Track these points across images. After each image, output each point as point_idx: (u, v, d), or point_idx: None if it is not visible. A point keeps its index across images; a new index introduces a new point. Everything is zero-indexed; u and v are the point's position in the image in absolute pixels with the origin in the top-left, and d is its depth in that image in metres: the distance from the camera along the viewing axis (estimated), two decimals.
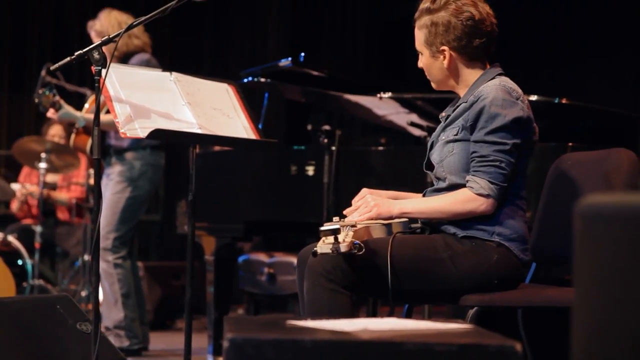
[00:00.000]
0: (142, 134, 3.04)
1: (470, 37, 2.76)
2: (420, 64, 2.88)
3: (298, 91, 4.85)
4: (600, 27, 7.10)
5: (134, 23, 3.10)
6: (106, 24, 4.79)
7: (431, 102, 4.26)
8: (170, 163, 5.85)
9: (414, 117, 4.42)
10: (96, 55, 2.94)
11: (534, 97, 3.84)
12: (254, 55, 8.35)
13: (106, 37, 3.00)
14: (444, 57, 2.78)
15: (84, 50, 2.96)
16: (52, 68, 3.07)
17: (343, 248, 2.44)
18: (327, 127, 4.27)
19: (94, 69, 2.96)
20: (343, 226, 2.57)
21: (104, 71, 2.94)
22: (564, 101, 3.92)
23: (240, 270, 5.32)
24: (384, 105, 4.46)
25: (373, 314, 4.01)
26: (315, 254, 2.49)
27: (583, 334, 1.30)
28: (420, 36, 2.82)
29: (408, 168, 3.99)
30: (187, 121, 3.19)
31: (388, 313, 3.72)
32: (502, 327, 3.56)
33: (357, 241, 2.51)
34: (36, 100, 4.49)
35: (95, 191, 2.92)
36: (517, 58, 7.77)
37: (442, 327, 1.94)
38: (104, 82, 2.97)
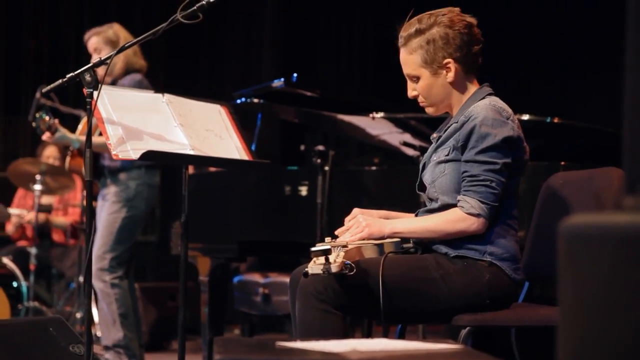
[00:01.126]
0: (135, 155, 3.05)
1: (469, 45, 2.77)
2: (412, 92, 2.84)
3: (292, 112, 4.86)
4: (596, 43, 7.12)
5: (126, 45, 3.11)
6: (122, 35, 4.77)
7: (424, 122, 4.26)
8: (166, 184, 5.84)
9: (407, 137, 4.43)
10: (88, 77, 2.95)
11: (525, 117, 3.85)
12: (248, 75, 8.37)
13: (98, 59, 3.01)
14: (447, 71, 2.78)
15: (76, 72, 2.97)
16: (44, 90, 3.08)
17: (334, 269, 2.44)
18: (320, 148, 4.27)
19: (85, 90, 2.96)
20: (334, 247, 2.57)
21: (95, 93, 2.95)
22: (555, 120, 3.93)
23: (235, 290, 5.31)
24: (377, 125, 4.46)
25: (368, 334, 4.00)
26: (306, 274, 2.49)
27: (567, 353, 1.30)
28: (414, 59, 2.79)
29: (401, 188, 3.99)
30: (180, 142, 3.20)
31: (382, 333, 3.70)
32: (498, 346, 3.56)
33: (348, 262, 2.51)
34: (33, 124, 4.49)
35: (87, 213, 2.92)
36: (512, 75, 7.81)
37: (432, 347, 1.93)
38: (95, 104, 2.97)
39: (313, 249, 2.46)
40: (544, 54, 7.80)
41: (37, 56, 8.09)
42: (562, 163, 3.79)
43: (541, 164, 3.76)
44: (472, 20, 2.81)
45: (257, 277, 5.18)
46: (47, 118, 4.42)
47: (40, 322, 3.41)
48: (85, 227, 2.91)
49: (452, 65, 2.77)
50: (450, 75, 2.79)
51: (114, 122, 3.10)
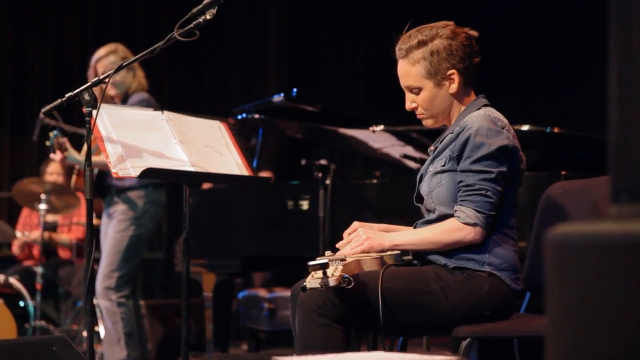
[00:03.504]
0: (134, 173, 3.07)
1: (470, 56, 2.78)
2: (411, 105, 2.84)
3: (294, 127, 4.87)
4: (597, 51, 7.12)
5: (124, 63, 3.13)
6: (130, 55, 4.78)
7: (425, 134, 4.27)
8: (173, 201, 5.85)
9: (409, 150, 4.43)
10: (86, 96, 2.97)
11: (525, 127, 3.86)
12: (253, 90, 8.39)
13: (96, 78, 3.03)
14: (451, 82, 2.78)
15: (75, 92, 2.99)
16: (43, 110, 3.11)
17: (332, 282, 2.44)
18: (323, 162, 4.28)
19: (84, 109, 2.98)
20: (332, 260, 2.57)
21: (94, 112, 2.97)
22: (555, 130, 3.93)
23: (241, 306, 5.32)
24: (378, 138, 4.47)
25: (373, 347, 4.00)
26: (304, 288, 2.49)
27: None
28: (417, 70, 2.79)
29: (403, 200, 3.98)
30: (179, 159, 3.21)
31: (382, 346, 3.69)
32: (503, 358, 3.56)
33: (347, 275, 2.52)
34: (47, 143, 4.49)
35: (87, 231, 2.93)
36: (515, 84, 7.81)
37: None
38: (94, 123, 2.99)
39: (310, 263, 2.46)
40: (545, 63, 7.80)
41: (42, 77, 8.13)
42: (563, 173, 3.79)
43: (542, 174, 3.76)
44: (472, 33, 2.82)
45: (262, 292, 5.18)
46: (59, 137, 4.44)
47: (44, 341, 3.41)
48: (86, 245, 2.93)
49: (456, 77, 2.78)
50: (454, 87, 2.79)
51: (114, 140, 3.12)
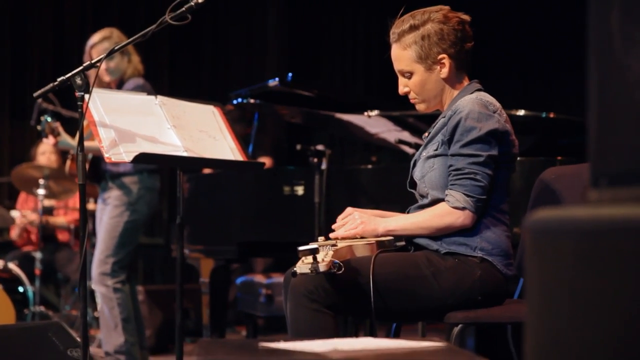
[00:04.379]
0: (127, 158, 3.05)
1: (463, 41, 2.77)
2: (404, 89, 2.84)
3: (291, 112, 4.86)
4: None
5: (115, 48, 3.12)
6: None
7: (422, 119, 4.25)
8: (173, 186, 5.84)
9: (406, 135, 4.42)
10: (78, 80, 2.96)
11: (521, 112, 3.84)
12: (252, 75, 8.37)
13: (87, 62, 3.02)
14: (442, 67, 2.77)
15: (67, 75, 2.98)
16: (35, 95, 3.09)
17: (322, 268, 2.44)
18: (320, 147, 4.27)
19: (77, 94, 2.97)
20: (322, 246, 2.56)
21: (87, 96, 2.96)
22: (551, 115, 3.92)
23: (239, 292, 5.32)
24: (375, 124, 4.46)
25: (371, 333, 4.00)
26: (294, 274, 2.49)
27: (534, 347, 1.29)
28: (408, 55, 2.79)
29: (400, 186, 3.98)
30: (173, 144, 3.20)
31: (372, 332, 3.70)
32: (497, 343, 3.56)
33: (337, 261, 2.51)
34: (38, 127, 4.50)
35: (81, 216, 2.93)
36: (515, 69, 7.79)
37: (415, 345, 1.93)
38: (87, 107, 2.98)
39: (300, 248, 2.46)
40: (542, 49, 7.78)
41: (41, 62, 8.12)
42: (559, 158, 3.78)
43: (538, 159, 3.75)
44: (465, 17, 2.81)
45: (259, 278, 5.18)
46: (51, 122, 4.44)
47: (39, 326, 3.42)
48: (80, 230, 2.92)
49: (447, 61, 2.77)
50: (445, 71, 2.78)
51: (107, 124, 3.11)
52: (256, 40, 8.60)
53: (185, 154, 3.18)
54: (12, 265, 5.98)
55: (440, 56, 2.77)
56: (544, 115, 3.90)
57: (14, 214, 6.45)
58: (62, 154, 6.38)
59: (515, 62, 7.91)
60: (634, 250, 1.21)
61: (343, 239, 2.76)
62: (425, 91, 2.82)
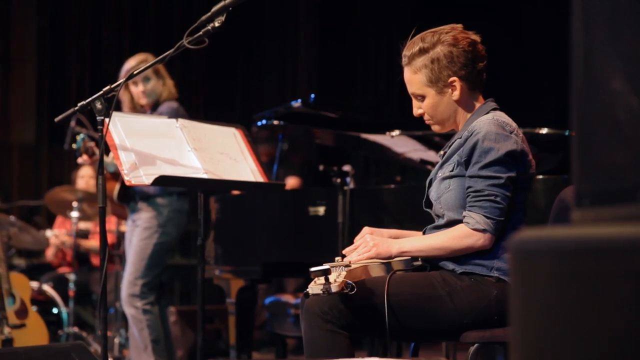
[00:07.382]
0: (147, 180, 3.09)
1: (474, 62, 2.76)
2: (418, 110, 2.85)
3: (318, 133, 4.87)
4: None
5: (135, 72, 3.16)
6: (160, 65, 4.80)
7: (447, 138, 4.24)
8: (206, 208, 5.88)
9: (431, 155, 4.41)
10: (98, 105, 3.00)
11: (544, 130, 3.81)
12: (284, 95, 8.42)
13: (108, 86, 3.06)
14: (453, 90, 2.77)
15: (87, 100, 3.03)
16: (56, 120, 3.14)
17: (334, 288, 2.44)
18: (347, 168, 4.28)
19: (98, 118, 3.02)
20: (334, 267, 2.57)
21: (107, 120, 3.00)
22: (574, 134, 3.87)
23: (268, 312, 5.33)
24: (401, 143, 4.46)
25: (384, 352, 3.98)
26: (307, 295, 2.50)
27: None
28: (419, 78, 2.80)
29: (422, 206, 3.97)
30: (193, 166, 3.23)
31: (396, 352, 3.68)
32: None
33: (350, 281, 2.51)
34: (73, 146, 4.58)
35: (100, 241, 2.95)
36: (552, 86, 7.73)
37: None
38: (107, 131, 3.02)
39: (312, 269, 2.47)
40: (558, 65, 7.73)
41: (79, 86, 8.24)
42: None
43: (561, 178, 3.71)
44: (475, 37, 2.79)
45: (288, 298, 5.18)
46: (87, 140, 4.52)
47: (63, 348, 3.45)
48: (100, 252, 2.95)
49: (458, 84, 2.76)
50: (456, 94, 2.77)
51: (127, 148, 3.15)
52: (288, 62, 8.65)
53: (205, 176, 3.20)
54: (46, 287, 6.06)
55: (451, 79, 2.76)
56: (567, 133, 3.87)
57: (48, 233, 6.54)
58: None
59: (552, 79, 7.85)
60: (615, 270, 1.20)
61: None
62: (439, 113, 2.81)
